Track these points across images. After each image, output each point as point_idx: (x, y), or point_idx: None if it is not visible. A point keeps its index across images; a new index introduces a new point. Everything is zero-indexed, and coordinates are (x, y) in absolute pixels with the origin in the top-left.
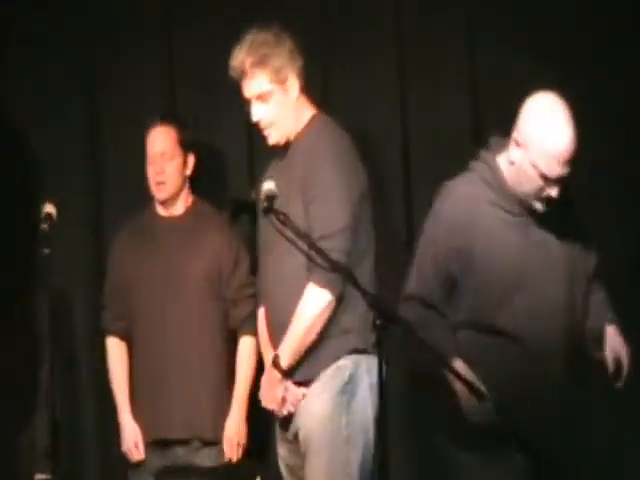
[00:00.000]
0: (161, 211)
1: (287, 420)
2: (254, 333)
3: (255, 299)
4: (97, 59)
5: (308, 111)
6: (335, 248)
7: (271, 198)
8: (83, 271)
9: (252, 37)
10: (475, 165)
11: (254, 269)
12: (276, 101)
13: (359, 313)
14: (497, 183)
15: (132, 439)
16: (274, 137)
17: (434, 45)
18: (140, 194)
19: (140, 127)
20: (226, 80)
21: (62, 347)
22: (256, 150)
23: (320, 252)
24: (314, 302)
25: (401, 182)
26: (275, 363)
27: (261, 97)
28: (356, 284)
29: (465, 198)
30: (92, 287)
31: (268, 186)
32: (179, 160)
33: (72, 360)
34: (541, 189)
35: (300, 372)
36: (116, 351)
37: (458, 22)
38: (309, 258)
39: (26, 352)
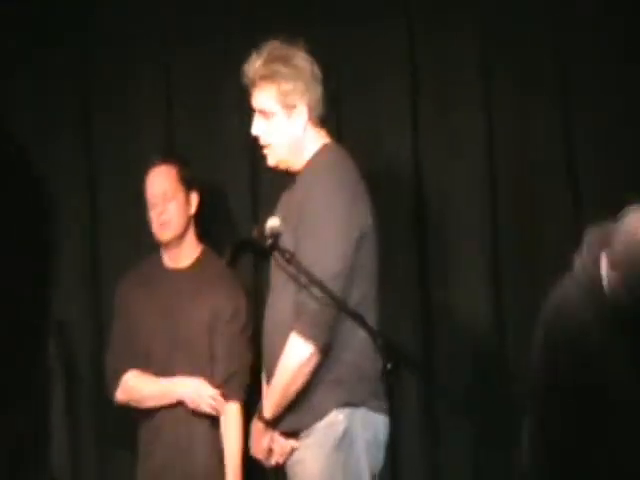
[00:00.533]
0: (167, 262)
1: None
2: (238, 397)
3: (245, 358)
4: (94, 106)
5: (319, 142)
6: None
7: (276, 235)
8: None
9: (272, 48)
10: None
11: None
12: (277, 124)
13: (352, 362)
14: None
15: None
16: (271, 159)
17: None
18: (138, 241)
19: (139, 172)
20: (227, 114)
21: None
22: (259, 185)
23: (329, 294)
24: (296, 353)
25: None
26: (259, 413)
27: (264, 113)
28: (364, 324)
29: None
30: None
31: (272, 223)
32: (182, 199)
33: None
34: None
35: (286, 422)
36: (137, 373)
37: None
38: (299, 301)
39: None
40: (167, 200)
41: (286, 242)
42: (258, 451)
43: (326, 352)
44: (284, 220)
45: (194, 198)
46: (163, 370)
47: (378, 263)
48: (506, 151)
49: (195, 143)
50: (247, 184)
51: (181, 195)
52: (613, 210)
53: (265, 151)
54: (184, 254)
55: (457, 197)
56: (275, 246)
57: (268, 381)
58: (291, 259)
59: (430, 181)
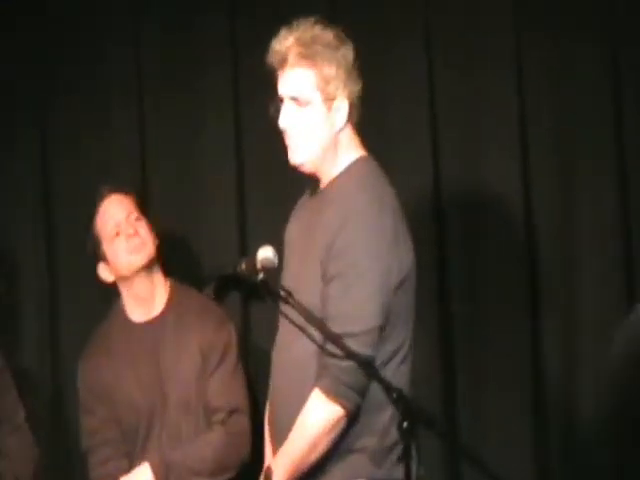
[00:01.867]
0: (135, 316)
1: None
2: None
3: (244, 397)
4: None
5: (354, 152)
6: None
7: (268, 269)
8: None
9: (309, 26)
10: None
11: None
12: (314, 116)
13: (378, 430)
14: None
15: None
16: (297, 157)
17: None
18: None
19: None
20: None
21: None
22: (248, 203)
23: (337, 343)
24: (320, 416)
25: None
26: (267, 477)
27: (297, 100)
28: (377, 376)
29: None
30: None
31: (264, 254)
32: (146, 223)
33: None
34: None
35: None
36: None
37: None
38: (321, 348)
39: None
40: (135, 220)
41: (307, 274)
42: None
43: (355, 415)
44: (304, 242)
45: (155, 230)
46: (150, 440)
47: (414, 303)
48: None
49: (168, 150)
50: (233, 202)
51: (145, 221)
52: None
53: (292, 145)
54: (157, 293)
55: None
56: (268, 283)
57: (273, 434)
58: (289, 298)
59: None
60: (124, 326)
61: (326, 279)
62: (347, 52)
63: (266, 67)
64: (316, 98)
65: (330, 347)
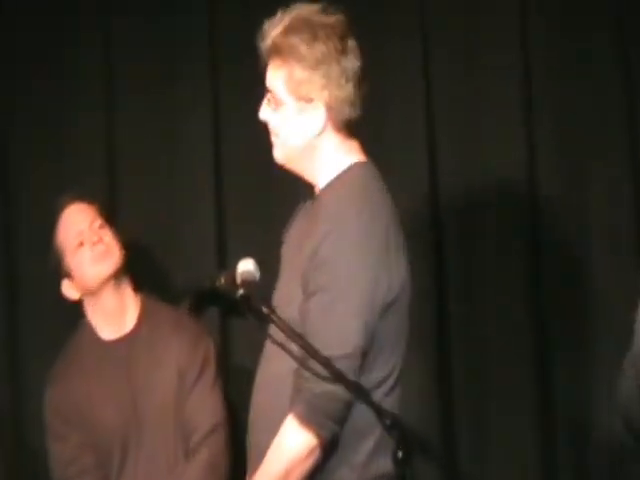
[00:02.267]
0: (104, 333)
1: None
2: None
3: (223, 412)
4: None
5: (346, 157)
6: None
7: (249, 283)
8: None
9: (301, 13)
10: None
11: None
12: (287, 116)
13: (359, 462)
14: None
15: None
16: (279, 154)
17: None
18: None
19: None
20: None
21: None
22: (226, 220)
23: (325, 365)
24: (293, 442)
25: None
26: None
27: (273, 98)
28: (367, 401)
29: None
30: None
31: (245, 267)
32: (112, 231)
33: None
34: None
35: None
36: None
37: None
38: (301, 363)
39: None
40: (99, 228)
41: (291, 286)
42: None
43: (332, 446)
44: (293, 253)
45: (121, 240)
46: (126, 462)
47: (408, 322)
48: None
49: (139, 156)
50: (211, 210)
51: (110, 229)
52: None
53: (273, 140)
54: (127, 307)
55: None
56: (249, 299)
57: (254, 458)
58: (272, 314)
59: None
60: (93, 345)
61: (307, 293)
62: (332, 49)
63: (247, 73)
64: (288, 99)
65: (304, 370)
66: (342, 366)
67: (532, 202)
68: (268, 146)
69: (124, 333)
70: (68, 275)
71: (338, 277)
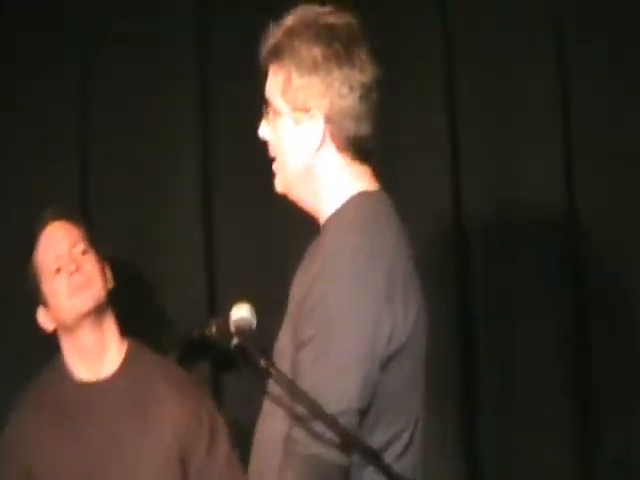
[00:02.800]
0: (81, 373)
1: None
2: None
3: None
4: None
5: (351, 184)
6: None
7: (245, 332)
8: None
9: (301, 15)
10: None
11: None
12: (283, 129)
13: None
14: None
15: None
16: (277, 180)
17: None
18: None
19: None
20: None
21: None
22: (218, 259)
23: (332, 426)
24: None
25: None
26: None
27: (271, 109)
28: (382, 467)
29: None
30: None
31: (240, 313)
32: (96, 258)
33: None
34: None
35: None
36: None
37: None
38: (296, 422)
39: None
40: (81, 253)
41: (285, 335)
42: None
43: None
44: (290, 301)
45: (108, 271)
46: None
47: (424, 376)
48: None
49: (118, 179)
50: (200, 246)
51: (94, 256)
52: None
53: (274, 167)
54: (107, 348)
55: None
56: (244, 349)
57: None
58: (269, 369)
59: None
60: (65, 383)
61: (297, 344)
62: (336, 55)
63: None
64: (285, 109)
65: (296, 430)
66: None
67: (570, 224)
68: (265, 176)
69: (102, 377)
70: (44, 302)
71: (331, 324)
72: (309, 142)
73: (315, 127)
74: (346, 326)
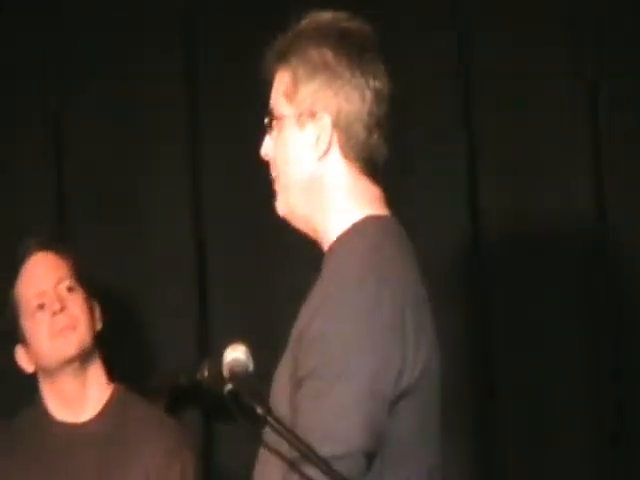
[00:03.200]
0: (61, 414)
1: None
2: None
3: None
4: None
5: (361, 208)
6: None
7: (240, 377)
8: None
9: (311, 19)
10: None
11: None
12: (285, 136)
13: None
14: None
15: None
16: (278, 202)
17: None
18: None
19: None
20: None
21: None
22: (210, 295)
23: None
24: None
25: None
26: None
27: (272, 124)
28: None
29: None
30: None
31: (234, 355)
32: (84, 300)
33: None
34: None
35: None
36: None
37: None
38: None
39: None
40: (67, 290)
41: (281, 375)
42: None
43: None
44: (291, 339)
45: (97, 311)
46: None
47: (439, 420)
48: None
49: (100, 205)
50: (190, 280)
51: (82, 295)
52: None
53: (276, 188)
54: (90, 394)
55: None
56: (239, 396)
57: None
58: (267, 418)
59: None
60: (43, 424)
61: (296, 380)
62: (347, 58)
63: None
64: (289, 112)
65: (291, 475)
66: (341, 469)
67: (600, 246)
68: (262, 203)
69: (82, 420)
70: (23, 341)
71: (334, 357)
72: (314, 148)
73: (321, 128)
74: (351, 361)
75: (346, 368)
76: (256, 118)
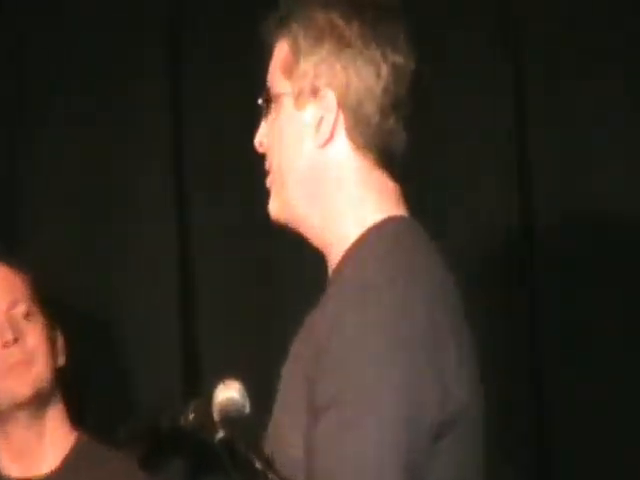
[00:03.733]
0: (14, 470)
1: None
2: None
3: None
4: None
5: (377, 207)
6: None
7: (234, 421)
8: None
9: None
10: None
11: None
12: (280, 118)
13: None
14: None
15: None
16: (272, 201)
17: None
18: None
19: None
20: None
21: None
22: (198, 319)
23: None
24: None
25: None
26: None
27: (267, 101)
28: None
29: None
30: None
31: (227, 394)
32: (44, 328)
33: None
34: None
35: None
36: None
37: None
38: None
39: None
40: (24, 317)
41: (287, 408)
42: None
43: None
44: (291, 364)
45: (60, 340)
46: None
47: (482, 462)
48: None
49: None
50: (174, 302)
51: (42, 322)
52: None
53: (268, 182)
54: (47, 445)
55: None
56: (233, 444)
57: None
58: (267, 473)
59: None
60: None
61: (313, 410)
62: (360, 20)
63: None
64: (286, 88)
65: None
66: None
67: None
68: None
69: (38, 475)
70: None
71: (360, 383)
72: (315, 133)
73: (324, 107)
74: (381, 386)
75: (375, 394)
76: (241, 117)
